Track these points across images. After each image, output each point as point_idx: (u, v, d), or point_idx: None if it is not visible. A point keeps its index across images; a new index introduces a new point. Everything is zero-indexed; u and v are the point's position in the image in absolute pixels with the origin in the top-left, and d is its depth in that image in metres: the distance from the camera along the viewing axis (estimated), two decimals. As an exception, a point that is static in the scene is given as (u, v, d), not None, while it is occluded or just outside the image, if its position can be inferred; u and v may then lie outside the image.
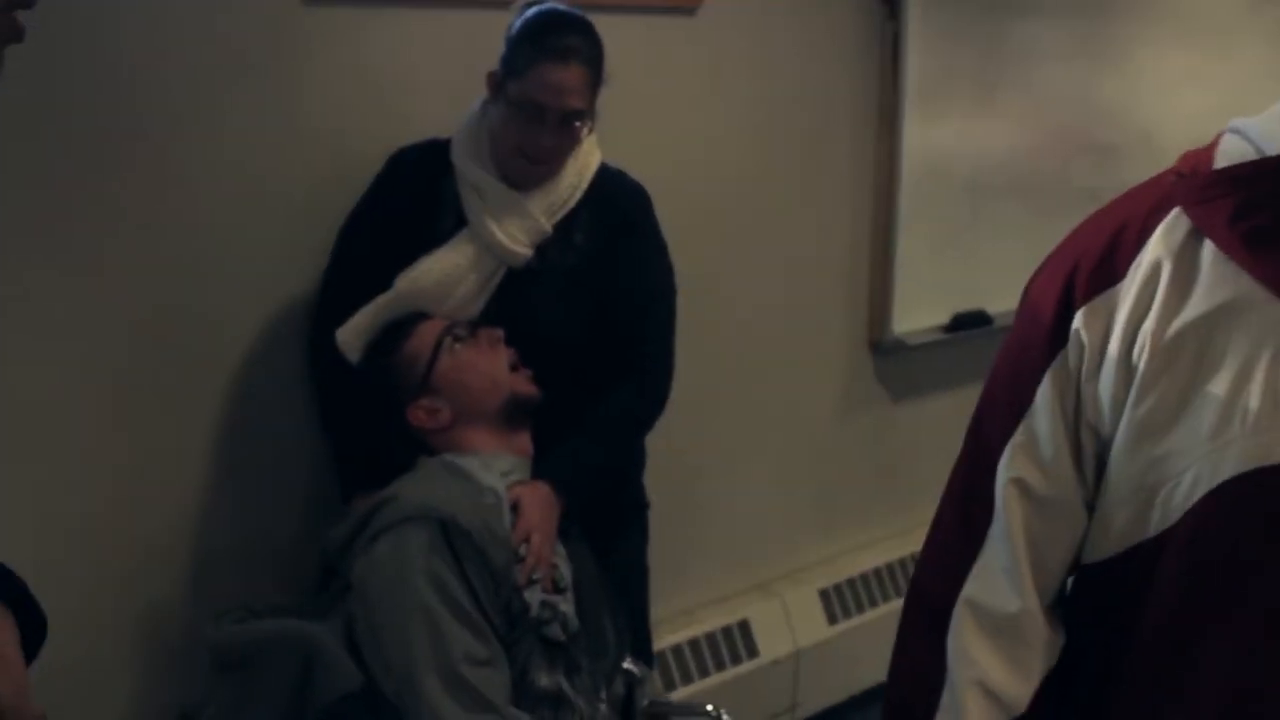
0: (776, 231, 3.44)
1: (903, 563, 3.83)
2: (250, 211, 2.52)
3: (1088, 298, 1.22)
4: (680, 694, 3.18)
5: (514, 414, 2.27)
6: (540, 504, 2.19)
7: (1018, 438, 1.26)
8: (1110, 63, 4.13)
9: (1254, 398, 1.15)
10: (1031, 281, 1.33)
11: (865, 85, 3.55)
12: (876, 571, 3.78)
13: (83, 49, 2.19)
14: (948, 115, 3.71)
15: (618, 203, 2.49)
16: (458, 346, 2.26)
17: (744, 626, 3.43)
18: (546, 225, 2.40)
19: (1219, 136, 1.25)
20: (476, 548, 2.04)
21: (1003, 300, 3.87)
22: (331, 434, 2.57)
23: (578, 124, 2.34)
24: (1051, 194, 4.03)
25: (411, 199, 2.45)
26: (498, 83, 2.35)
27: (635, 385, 2.48)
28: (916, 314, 3.74)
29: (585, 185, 2.45)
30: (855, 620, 3.67)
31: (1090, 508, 1.27)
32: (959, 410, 4.02)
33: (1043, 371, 1.25)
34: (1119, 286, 1.21)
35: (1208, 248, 1.17)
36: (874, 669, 3.65)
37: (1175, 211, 1.20)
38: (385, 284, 2.40)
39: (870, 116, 3.58)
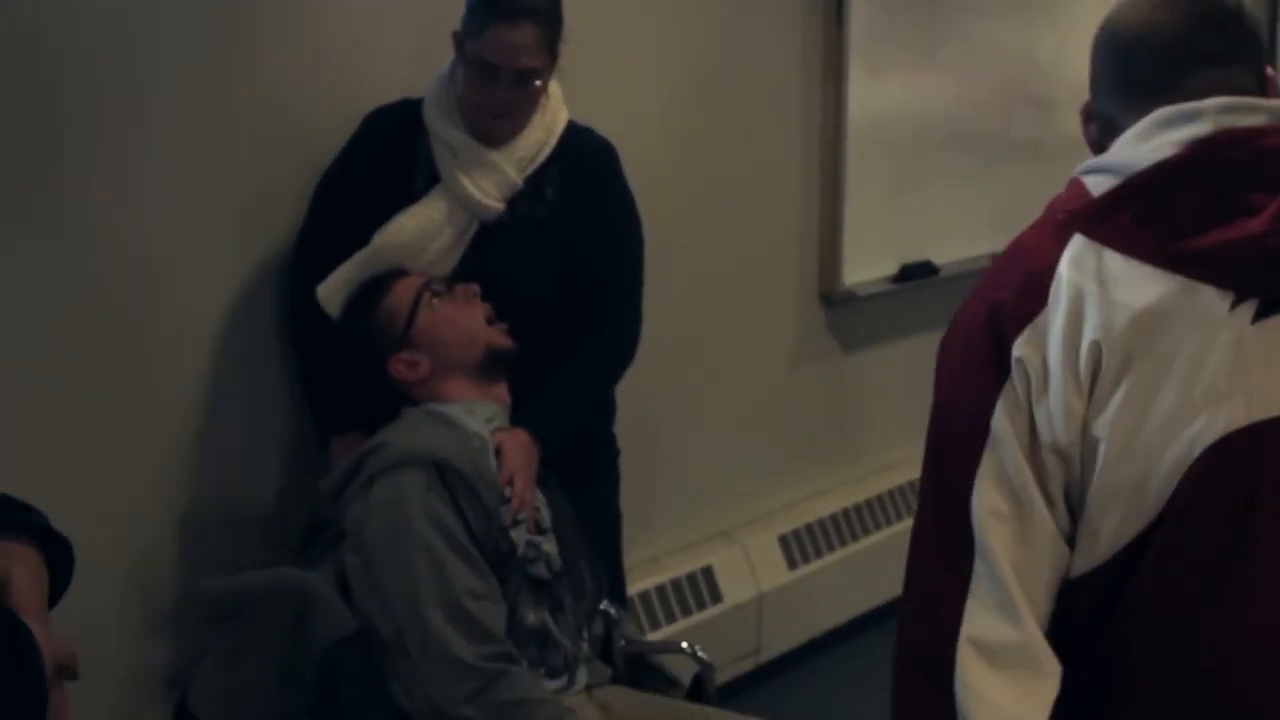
0: (728, 188, 3.46)
1: (857, 508, 3.88)
2: (221, 174, 2.51)
3: (1018, 329, 1.27)
4: (648, 639, 3.21)
5: (491, 365, 2.30)
6: (521, 449, 2.22)
7: (983, 469, 1.27)
8: (1045, 18, 4.18)
9: (1209, 371, 1.22)
10: (949, 335, 1.37)
11: (809, 41, 3.57)
12: (833, 517, 3.81)
13: (33, 21, 2.17)
14: (891, 70, 3.74)
15: (586, 158, 2.52)
16: (435, 301, 2.28)
17: (708, 573, 3.46)
18: (517, 179, 2.43)
19: (1076, 183, 1.34)
20: (470, 487, 2.08)
21: (948, 251, 3.98)
22: (310, 386, 2.58)
23: (535, 83, 2.36)
24: (992, 146, 4.11)
25: (386, 157, 2.47)
26: (459, 43, 2.38)
27: (606, 336, 2.51)
28: (865, 266, 3.78)
29: (554, 141, 2.47)
30: (814, 565, 3.71)
31: (1065, 526, 1.29)
32: (908, 358, 4.11)
33: (994, 403, 1.27)
34: (1044, 312, 1.26)
35: (1117, 260, 1.25)
36: (833, 612, 3.77)
37: (1076, 238, 1.27)
38: (360, 241, 2.42)
39: (815, 72, 3.60)
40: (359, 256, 2.39)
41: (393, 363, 2.26)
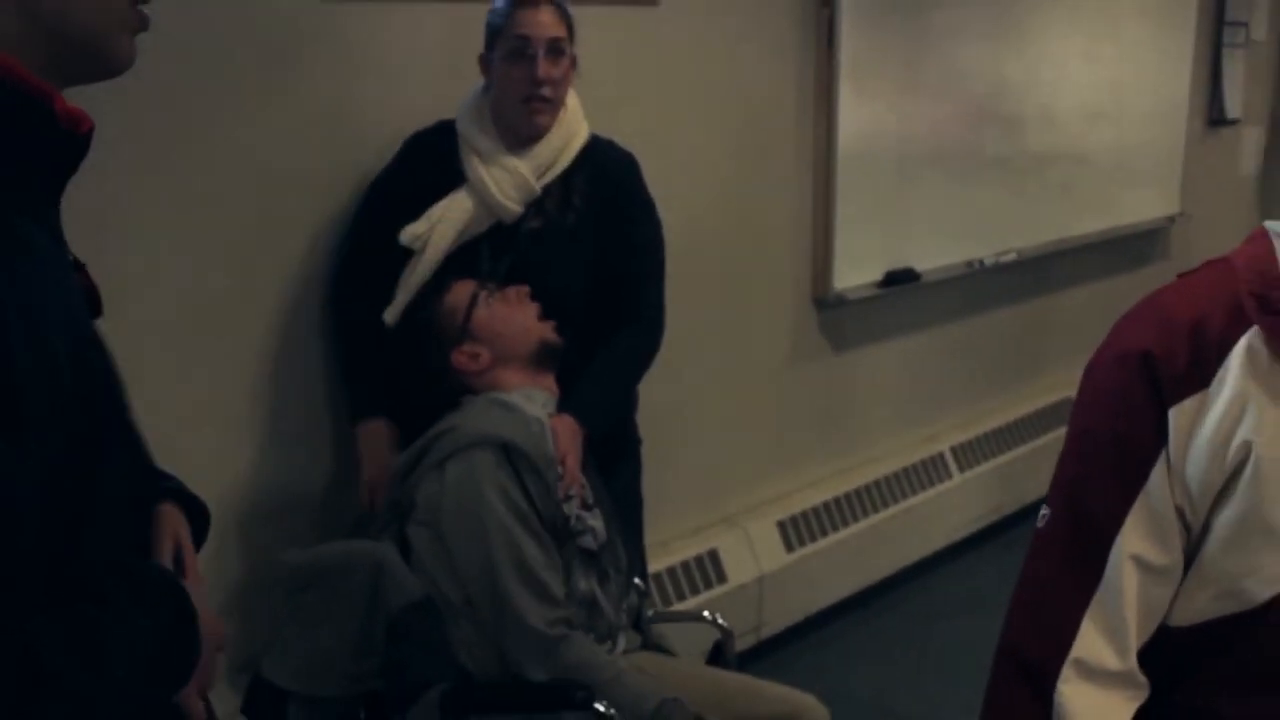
0: (732, 201, 3.52)
1: (848, 496, 3.94)
2: (275, 186, 2.56)
3: (1178, 398, 1.23)
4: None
5: (543, 358, 2.36)
6: (569, 432, 2.28)
7: (1135, 516, 1.25)
8: (1015, 45, 4.26)
9: None
10: (1097, 364, 1.33)
11: (803, 69, 3.63)
12: (825, 504, 3.87)
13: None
14: (877, 95, 3.79)
15: (610, 168, 2.59)
16: (491, 300, 2.35)
17: (713, 555, 3.52)
18: (535, 185, 2.50)
19: (1262, 240, 1.28)
20: (533, 466, 2.15)
21: (928, 259, 4.06)
22: (348, 375, 2.64)
23: (565, 55, 2.47)
24: (968, 162, 4.18)
25: (427, 173, 2.53)
26: (487, 58, 2.48)
27: (636, 328, 2.59)
28: (854, 272, 3.82)
29: (574, 152, 2.54)
30: (810, 548, 3.77)
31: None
32: (893, 357, 4.23)
33: (1153, 459, 1.24)
34: (1207, 392, 1.22)
35: None
36: (828, 591, 3.87)
37: (1254, 331, 1.22)
38: (399, 248, 2.49)
39: (809, 97, 3.66)
40: (407, 275, 2.47)
41: (456, 354, 2.31)
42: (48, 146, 1.07)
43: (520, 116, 2.48)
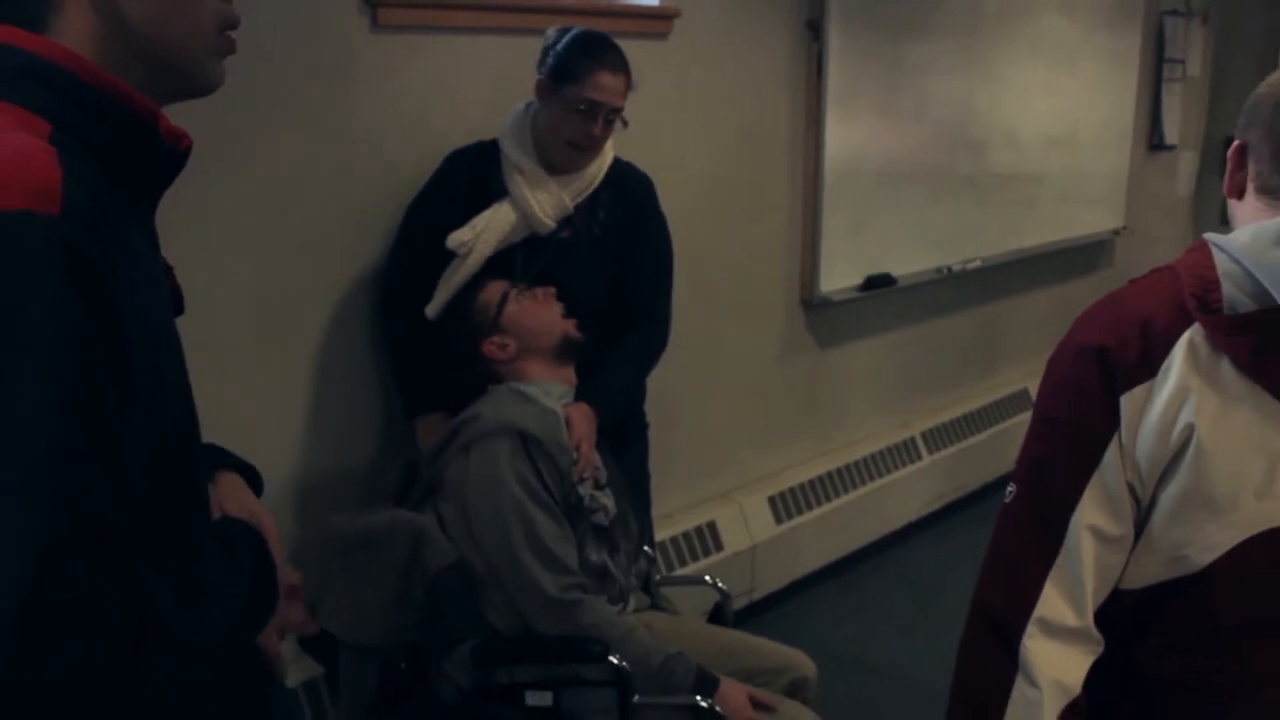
0: (730, 214, 3.51)
1: (830, 474, 3.94)
2: (331, 198, 2.56)
3: (1129, 386, 1.23)
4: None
5: (564, 351, 2.34)
6: (585, 419, 2.27)
7: (1091, 492, 1.25)
8: (982, 77, 4.25)
9: (1261, 473, 1.21)
10: (1059, 357, 1.32)
11: (795, 96, 3.63)
12: (810, 482, 3.87)
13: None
14: (860, 119, 3.78)
15: (630, 187, 2.58)
16: (521, 298, 2.33)
17: (711, 526, 3.52)
18: (569, 205, 2.48)
19: (1204, 251, 1.27)
20: (547, 453, 2.13)
21: (903, 265, 4.04)
22: (400, 376, 2.64)
23: (617, 120, 2.44)
24: (939, 180, 4.16)
25: (463, 187, 2.51)
26: (548, 89, 2.41)
27: (647, 327, 2.58)
28: (837, 276, 3.82)
29: (602, 175, 2.52)
30: (796, 520, 3.76)
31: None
32: (871, 352, 4.21)
33: (1108, 440, 1.24)
34: (1154, 381, 1.22)
35: (1227, 366, 1.21)
36: (812, 558, 3.85)
37: (1195, 327, 1.22)
38: (440, 258, 2.46)
39: (799, 120, 3.65)
40: (449, 275, 2.44)
41: (486, 344, 2.29)
42: (153, 162, 1.08)
43: (564, 156, 2.45)
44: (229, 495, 1.25)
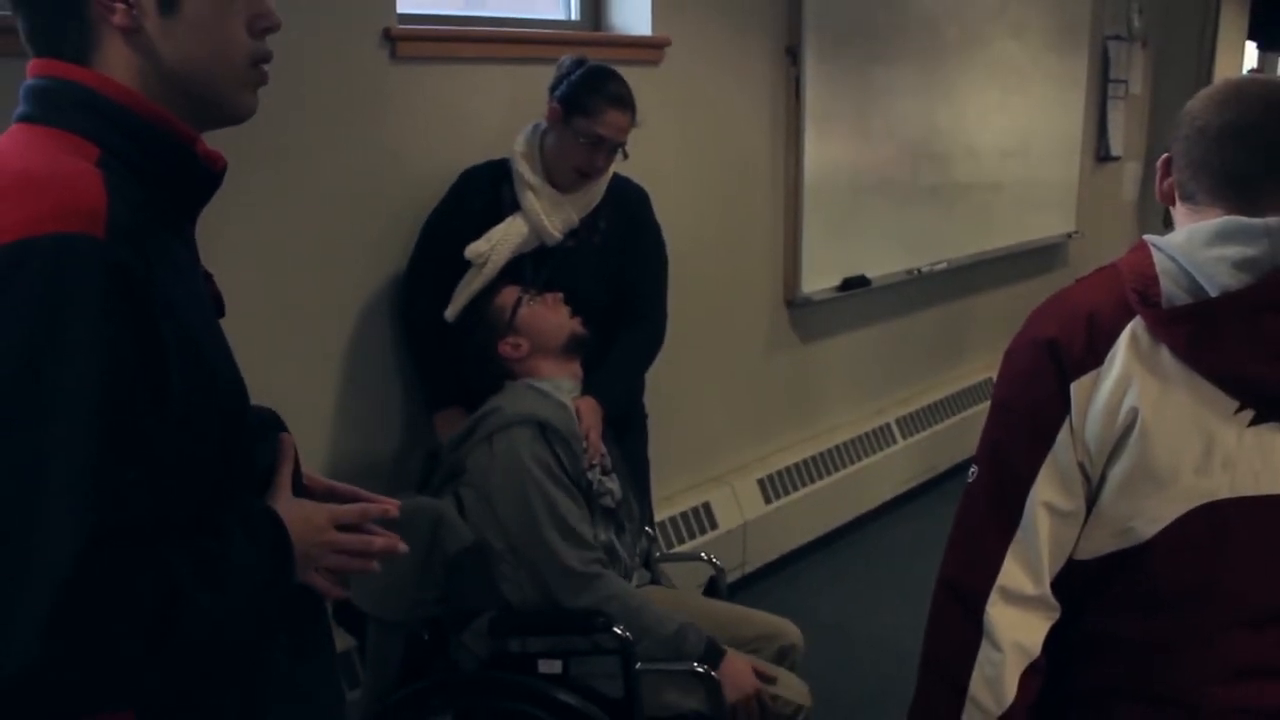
0: (718, 222, 3.48)
1: (813, 459, 3.90)
2: (357, 213, 2.53)
3: (1077, 374, 1.22)
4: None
5: (571, 347, 2.31)
6: (592, 411, 2.25)
7: (1046, 471, 1.24)
8: (943, 96, 4.22)
9: (1207, 452, 1.20)
10: (1014, 349, 1.31)
11: (776, 114, 3.60)
12: (796, 465, 3.83)
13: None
14: (835, 135, 3.76)
15: (628, 199, 2.55)
16: (532, 302, 2.30)
17: (706, 507, 3.49)
18: (576, 219, 2.45)
19: (1144, 250, 1.25)
20: (564, 440, 2.10)
21: (876, 267, 4.01)
22: (420, 374, 2.61)
23: (619, 152, 2.42)
24: (906, 190, 4.14)
25: (479, 203, 2.48)
26: (559, 116, 2.38)
27: (645, 327, 2.55)
28: (817, 278, 3.79)
29: (603, 191, 2.50)
30: (784, 500, 3.73)
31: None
32: (849, 347, 4.17)
33: (1059, 424, 1.23)
34: (1101, 369, 1.21)
35: (1166, 354, 1.20)
36: (799, 535, 3.80)
37: (1136, 320, 1.21)
38: (456, 266, 2.43)
39: (780, 138, 3.63)
40: (467, 281, 2.41)
41: (501, 344, 2.26)
42: (192, 182, 1.10)
43: (569, 180, 2.43)
44: (284, 456, 1.22)
